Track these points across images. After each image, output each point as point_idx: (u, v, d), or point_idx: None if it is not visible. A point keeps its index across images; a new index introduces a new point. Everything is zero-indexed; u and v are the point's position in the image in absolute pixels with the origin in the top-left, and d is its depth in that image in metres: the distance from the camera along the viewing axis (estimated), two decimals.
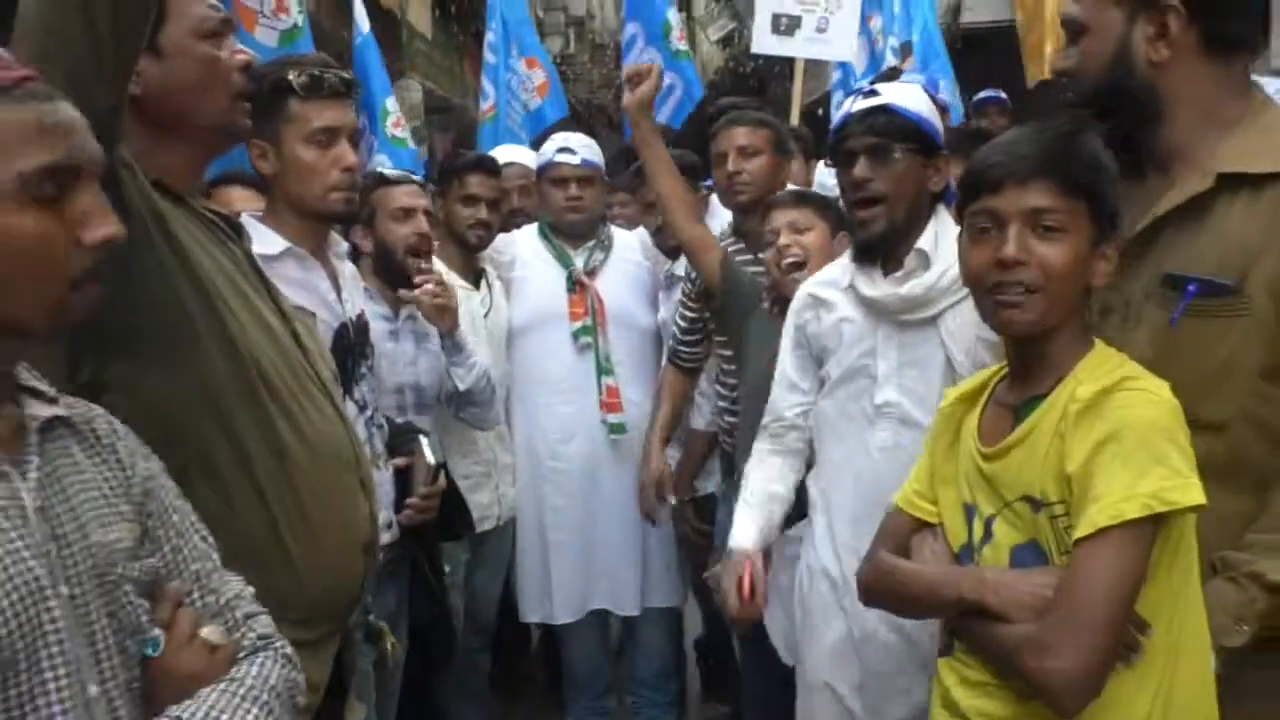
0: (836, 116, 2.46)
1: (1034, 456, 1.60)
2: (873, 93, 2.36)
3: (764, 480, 2.54)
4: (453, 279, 3.34)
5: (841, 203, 2.54)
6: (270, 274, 2.01)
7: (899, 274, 2.32)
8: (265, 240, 2.24)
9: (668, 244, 3.55)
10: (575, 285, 3.61)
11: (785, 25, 5.15)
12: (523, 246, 3.71)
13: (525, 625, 3.97)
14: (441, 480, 2.67)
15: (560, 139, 3.79)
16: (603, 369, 3.59)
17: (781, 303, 2.76)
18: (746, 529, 2.48)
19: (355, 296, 2.52)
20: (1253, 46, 1.72)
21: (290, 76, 2.26)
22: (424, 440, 2.66)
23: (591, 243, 3.68)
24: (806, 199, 2.89)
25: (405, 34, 12.05)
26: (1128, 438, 1.50)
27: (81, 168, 1.20)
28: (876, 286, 2.34)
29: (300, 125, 2.28)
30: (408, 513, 2.60)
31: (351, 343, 2.43)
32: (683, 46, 5.64)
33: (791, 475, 2.55)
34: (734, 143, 3.24)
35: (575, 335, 3.59)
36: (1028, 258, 1.58)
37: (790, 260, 2.74)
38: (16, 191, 1.15)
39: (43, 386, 1.27)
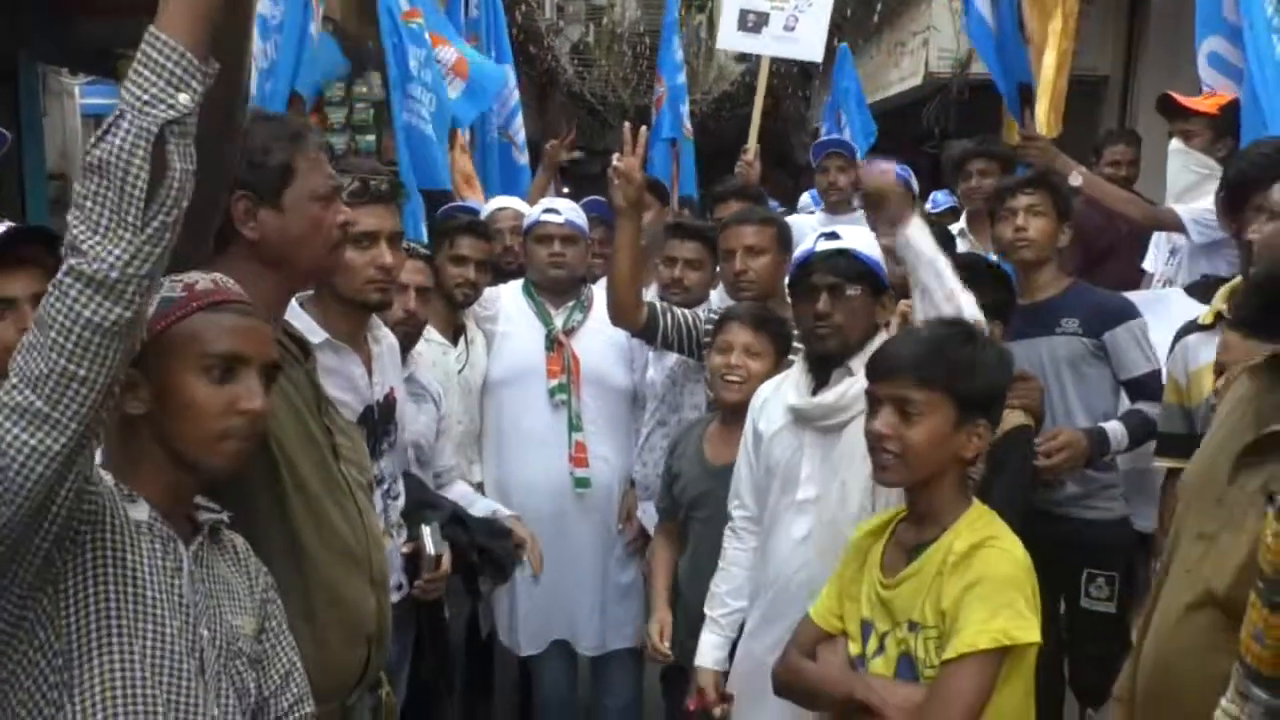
0: (799, 252, 2.75)
1: (920, 589, 2.08)
2: (834, 235, 2.67)
3: (729, 595, 2.89)
4: (432, 334, 3.57)
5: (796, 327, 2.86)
6: None
7: (826, 389, 2.63)
8: (307, 329, 2.43)
9: (674, 301, 3.71)
10: (554, 344, 3.82)
11: (752, 22, 5.10)
12: (507, 303, 3.92)
13: (492, 669, 4.20)
14: (445, 566, 2.84)
15: (547, 201, 4.04)
16: (574, 425, 3.80)
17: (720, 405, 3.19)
18: (714, 648, 2.86)
19: (388, 374, 2.72)
20: None
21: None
22: (425, 531, 2.81)
23: (572, 302, 3.89)
24: (765, 324, 3.14)
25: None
26: (988, 585, 2.00)
27: None
28: (801, 398, 2.66)
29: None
30: (415, 591, 2.83)
31: (375, 423, 2.64)
32: None
33: (747, 582, 2.86)
34: (742, 241, 3.45)
35: (551, 392, 3.80)
36: (891, 433, 2.10)
37: (733, 379, 3.10)
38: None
39: (212, 506, 1.74)
